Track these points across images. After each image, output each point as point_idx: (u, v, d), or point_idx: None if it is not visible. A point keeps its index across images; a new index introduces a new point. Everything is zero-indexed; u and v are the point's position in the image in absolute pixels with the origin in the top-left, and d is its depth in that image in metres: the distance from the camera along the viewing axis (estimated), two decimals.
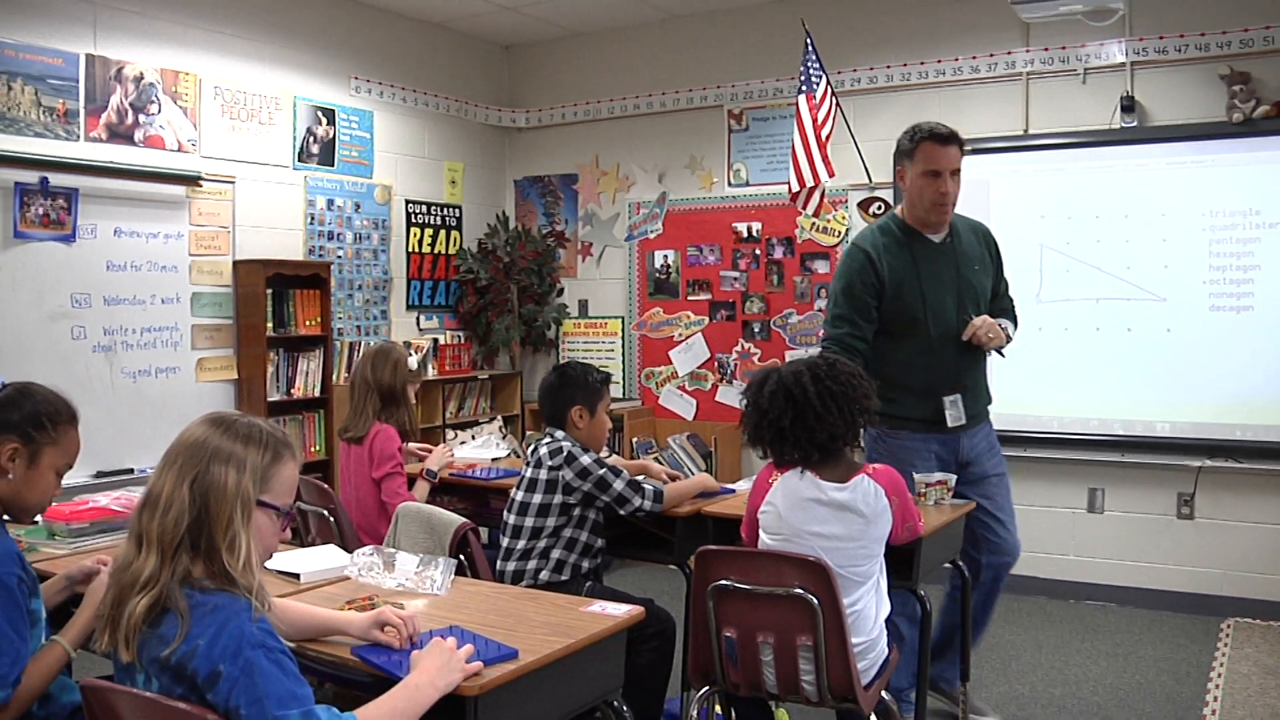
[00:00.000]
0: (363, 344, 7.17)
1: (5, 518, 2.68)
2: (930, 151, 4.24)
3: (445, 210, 8.12)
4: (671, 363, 7.91)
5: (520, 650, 2.43)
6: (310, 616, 2.60)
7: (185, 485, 2.10)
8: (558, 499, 3.97)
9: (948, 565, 4.20)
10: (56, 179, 5.62)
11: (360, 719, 2.08)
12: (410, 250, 7.82)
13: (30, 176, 5.51)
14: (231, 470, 2.12)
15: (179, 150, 6.25)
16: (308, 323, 6.76)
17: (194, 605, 2.04)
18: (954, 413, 4.32)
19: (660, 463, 5.41)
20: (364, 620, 2.54)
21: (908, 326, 4.28)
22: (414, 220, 7.84)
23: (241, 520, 2.11)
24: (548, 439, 4.11)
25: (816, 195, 6.30)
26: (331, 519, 4.37)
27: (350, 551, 3.33)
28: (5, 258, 5.45)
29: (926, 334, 4.27)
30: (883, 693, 3.32)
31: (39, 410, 2.67)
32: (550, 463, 3.99)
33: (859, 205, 7.11)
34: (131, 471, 5.79)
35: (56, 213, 5.64)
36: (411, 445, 5.26)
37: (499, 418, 7.96)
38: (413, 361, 4.94)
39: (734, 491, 4.44)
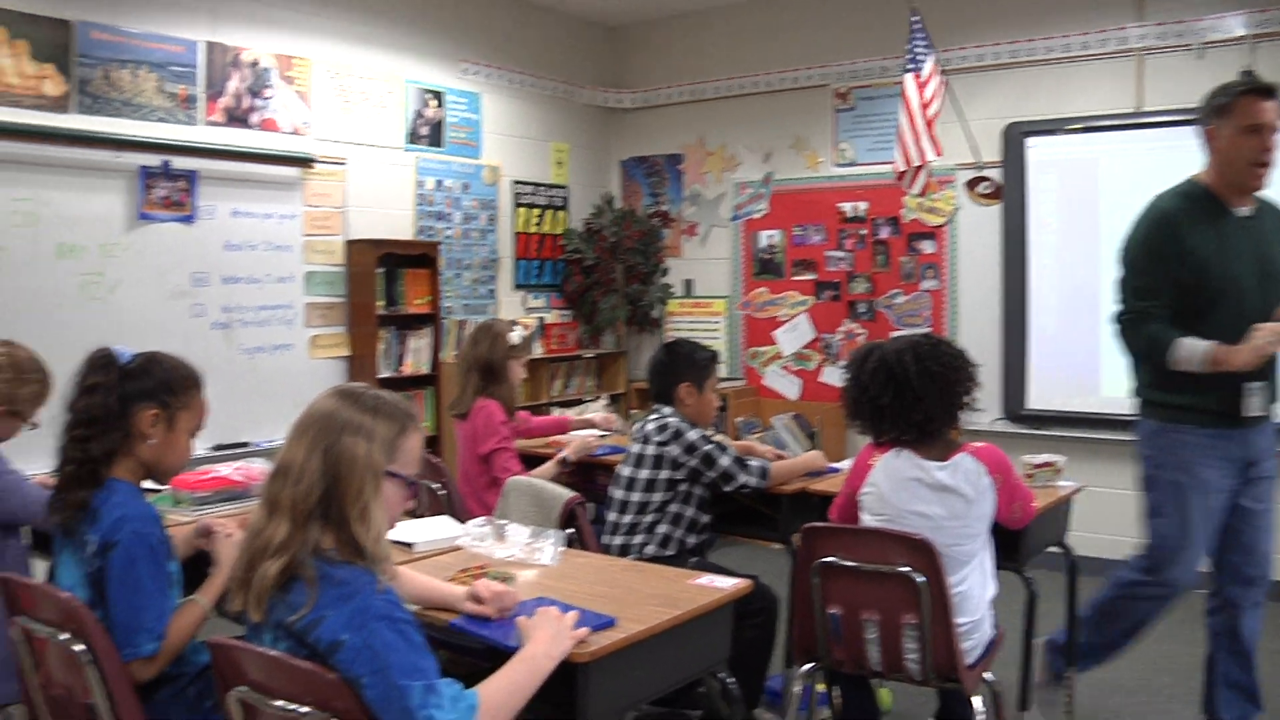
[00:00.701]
0: (470, 322, 7.27)
1: (144, 484, 2.80)
2: (1251, 105, 3.75)
3: (552, 191, 8.20)
4: (776, 343, 7.91)
5: (627, 620, 2.48)
6: (422, 586, 2.67)
7: (316, 455, 2.16)
8: (664, 474, 4.01)
9: (1056, 549, 4.15)
10: (177, 162, 5.79)
11: (482, 694, 2.11)
12: (517, 230, 7.91)
13: (153, 160, 5.69)
14: (361, 441, 2.17)
15: (293, 133, 6.40)
16: (417, 301, 6.89)
17: (322, 577, 2.10)
18: (1257, 401, 3.74)
19: (765, 444, 5.40)
20: (458, 596, 2.62)
21: (1205, 306, 3.74)
22: (521, 200, 7.93)
23: (371, 490, 2.17)
24: (655, 415, 4.14)
25: (923, 175, 6.25)
26: (443, 493, 4.45)
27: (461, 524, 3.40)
28: (130, 238, 5.64)
29: (1225, 315, 3.71)
30: (986, 674, 3.30)
31: (170, 377, 2.78)
32: (658, 438, 4.02)
33: (966, 185, 7.03)
34: (247, 445, 5.95)
35: (177, 194, 5.81)
36: (595, 416, 5.44)
37: (605, 396, 8.03)
38: (515, 336, 4.98)
39: (839, 471, 4.43)
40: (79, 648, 2.51)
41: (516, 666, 2.22)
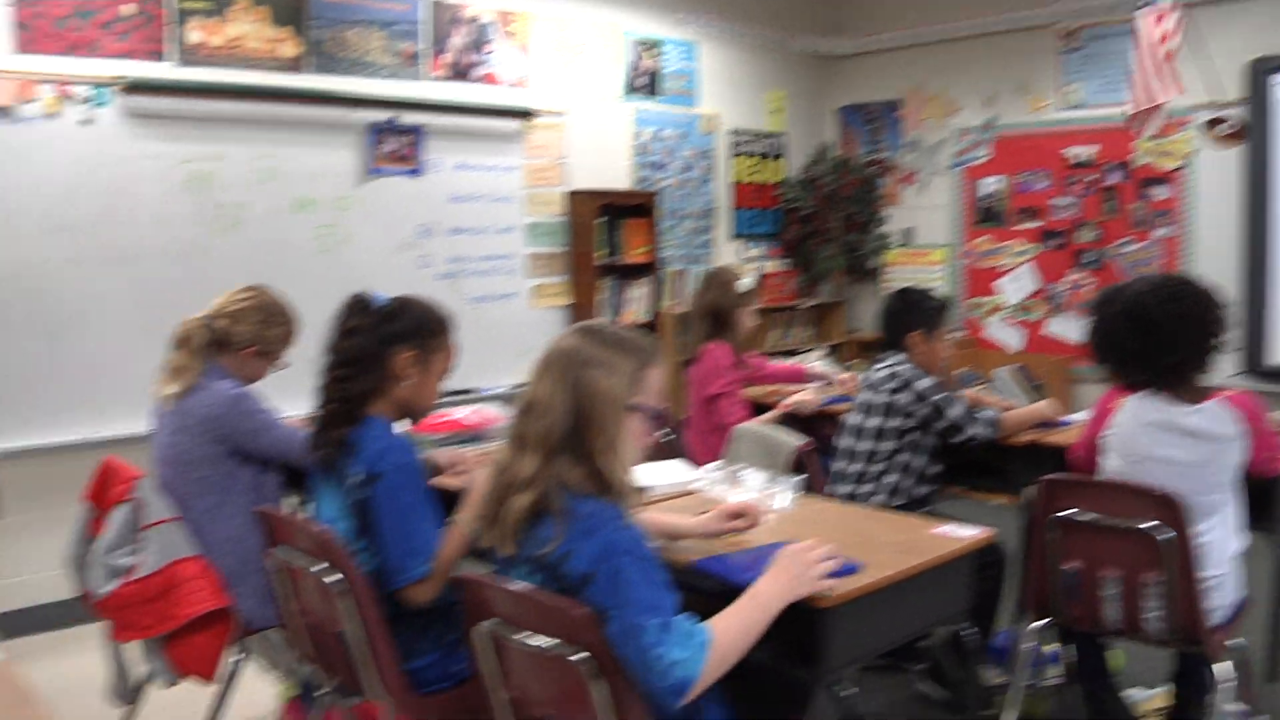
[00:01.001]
0: (689, 272, 7.31)
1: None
2: None
3: (768, 139, 8.13)
4: (998, 293, 7.70)
5: (869, 567, 2.46)
6: (657, 523, 2.70)
7: (563, 391, 2.19)
8: (894, 423, 3.94)
9: None
10: (404, 117, 5.97)
11: (715, 629, 2.11)
12: (734, 179, 7.88)
13: (381, 116, 5.89)
14: (606, 375, 2.20)
15: (514, 86, 6.50)
16: (636, 251, 6.95)
17: (569, 510, 2.14)
18: None
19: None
20: (708, 518, 2.67)
21: None
22: (738, 150, 7.89)
23: (616, 423, 2.20)
24: (885, 363, 4.07)
25: (1158, 116, 5.95)
26: (668, 438, 4.47)
27: None
28: (361, 192, 5.85)
29: None
30: (1232, 639, 3.14)
31: (424, 320, 2.88)
32: (887, 387, 3.96)
33: (1204, 126, 6.67)
34: (473, 391, 6.07)
35: (404, 149, 5.98)
36: (834, 372, 5.40)
37: (822, 346, 7.95)
38: (745, 283, 4.96)
39: (1072, 424, 4.27)
40: (333, 578, 2.62)
41: (747, 604, 2.21)
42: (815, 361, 6.16)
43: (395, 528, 2.65)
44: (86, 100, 5.01)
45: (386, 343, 2.78)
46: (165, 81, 5.19)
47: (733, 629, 2.15)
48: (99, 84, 5.03)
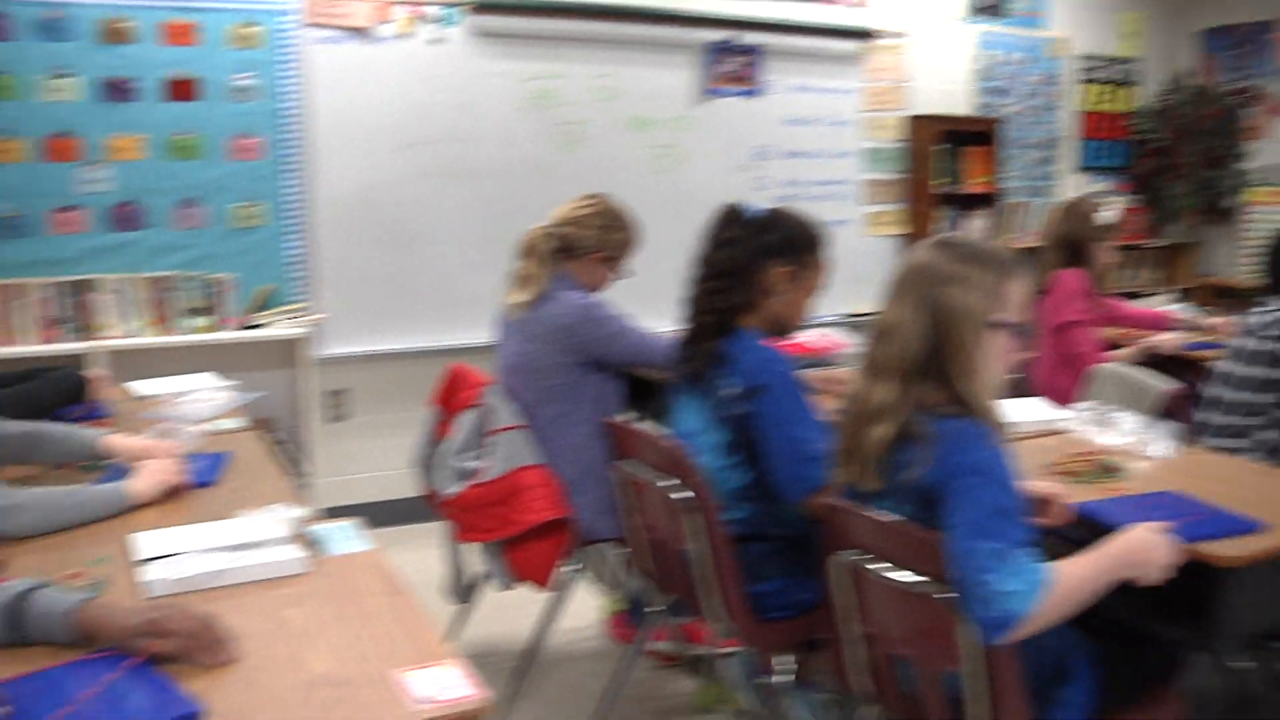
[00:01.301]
0: (1031, 204, 6.97)
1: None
2: None
3: (1120, 65, 7.61)
4: None
5: (1273, 527, 2.22)
6: None
7: (917, 311, 2.08)
8: (1272, 374, 3.57)
9: None
10: (742, 37, 5.88)
11: (1060, 572, 1.93)
12: (1081, 108, 7.43)
13: (719, 36, 5.82)
14: (962, 291, 2.06)
15: (853, 6, 6.30)
16: (975, 180, 6.69)
17: (932, 431, 2.02)
18: None
19: None
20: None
21: None
22: (1087, 76, 7.42)
23: (976, 343, 2.06)
24: (1268, 307, 3.69)
25: None
26: (1018, 378, 4.23)
27: None
28: (698, 111, 5.82)
29: None
30: None
31: (798, 233, 2.78)
32: (1271, 334, 3.58)
33: None
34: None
35: (741, 69, 5.90)
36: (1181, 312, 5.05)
37: (1171, 291, 7.43)
38: (1106, 216, 4.63)
39: None
40: (681, 495, 2.58)
41: (1099, 557, 2.01)
42: (1167, 305, 5.73)
43: (788, 438, 2.59)
44: (437, 20, 5.17)
45: (760, 255, 2.71)
46: (511, 1, 5.28)
47: (1078, 577, 1.97)
48: (449, 4, 5.18)
